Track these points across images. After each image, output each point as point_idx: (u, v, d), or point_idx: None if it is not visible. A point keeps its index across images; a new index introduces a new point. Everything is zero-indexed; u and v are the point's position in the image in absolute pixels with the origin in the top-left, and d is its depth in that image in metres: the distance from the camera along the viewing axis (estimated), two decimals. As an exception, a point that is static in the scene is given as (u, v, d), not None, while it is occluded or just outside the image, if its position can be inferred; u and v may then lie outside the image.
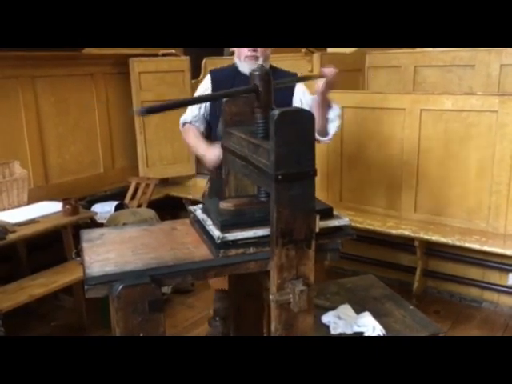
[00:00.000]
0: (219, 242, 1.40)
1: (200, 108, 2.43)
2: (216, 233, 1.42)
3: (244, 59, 2.34)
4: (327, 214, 1.51)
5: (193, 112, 2.45)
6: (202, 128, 2.46)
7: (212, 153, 2.25)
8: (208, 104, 2.41)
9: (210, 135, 2.46)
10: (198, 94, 2.49)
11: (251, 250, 1.43)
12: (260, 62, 2.34)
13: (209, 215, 1.56)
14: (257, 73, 1.49)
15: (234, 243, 1.42)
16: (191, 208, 1.68)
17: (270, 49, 2.35)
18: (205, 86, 2.46)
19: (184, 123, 2.49)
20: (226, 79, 2.38)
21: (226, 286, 2.48)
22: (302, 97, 2.39)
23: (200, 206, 1.67)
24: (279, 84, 1.78)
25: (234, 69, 2.44)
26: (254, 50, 2.30)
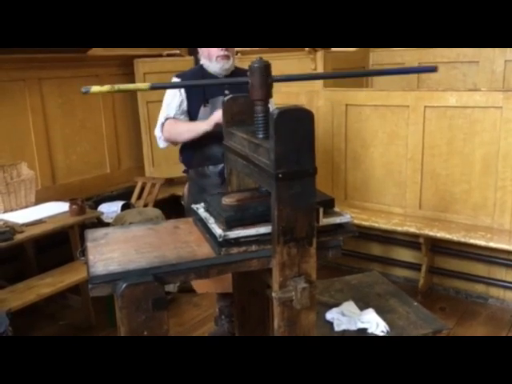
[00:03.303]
0: (221, 240, 1.42)
1: (181, 102, 2.41)
2: (218, 231, 1.44)
3: (216, 59, 2.35)
4: (329, 204, 1.52)
5: (175, 108, 2.42)
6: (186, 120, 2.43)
7: (214, 116, 2.22)
8: (185, 99, 2.41)
9: None
10: (169, 98, 2.45)
11: (253, 247, 1.45)
12: (231, 61, 2.36)
13: (211, 214, 1.58)
14: (256, 65, 1.49)
15: (236, 241, 1.43)
16: (194, 207, 1.70)
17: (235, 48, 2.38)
18: (175, 90, 2.42)
19: (166, 119, 2.43)
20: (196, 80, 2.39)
21: (213, 290, 2.49)
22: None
23: (202, 204, 1.69)
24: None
25: (200, 70, 2.44)
26: (226, 50, 2.31)
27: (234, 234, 1.43)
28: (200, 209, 1.66)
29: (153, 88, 1.51)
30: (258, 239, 1.44)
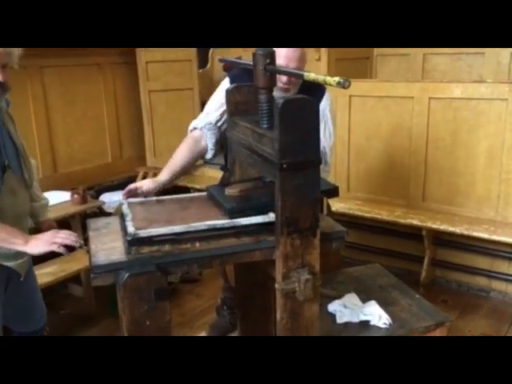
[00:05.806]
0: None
1: (220, 118, 2.11)
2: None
3: (276, 89, 1.89)
4: (333, 193, 1.51)
5: (209, 119, 2.13)
6: (211, 140, 2.10)
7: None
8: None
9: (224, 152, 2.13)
10: (214, 106, 2.16)
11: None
12: (290, 93, 2.08)
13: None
14: (260, 52, 1.47)
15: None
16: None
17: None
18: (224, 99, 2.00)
19: (194, 128, 2.16)
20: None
21: None
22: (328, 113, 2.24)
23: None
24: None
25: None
26: (288, 83, 2.05)
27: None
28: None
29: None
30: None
